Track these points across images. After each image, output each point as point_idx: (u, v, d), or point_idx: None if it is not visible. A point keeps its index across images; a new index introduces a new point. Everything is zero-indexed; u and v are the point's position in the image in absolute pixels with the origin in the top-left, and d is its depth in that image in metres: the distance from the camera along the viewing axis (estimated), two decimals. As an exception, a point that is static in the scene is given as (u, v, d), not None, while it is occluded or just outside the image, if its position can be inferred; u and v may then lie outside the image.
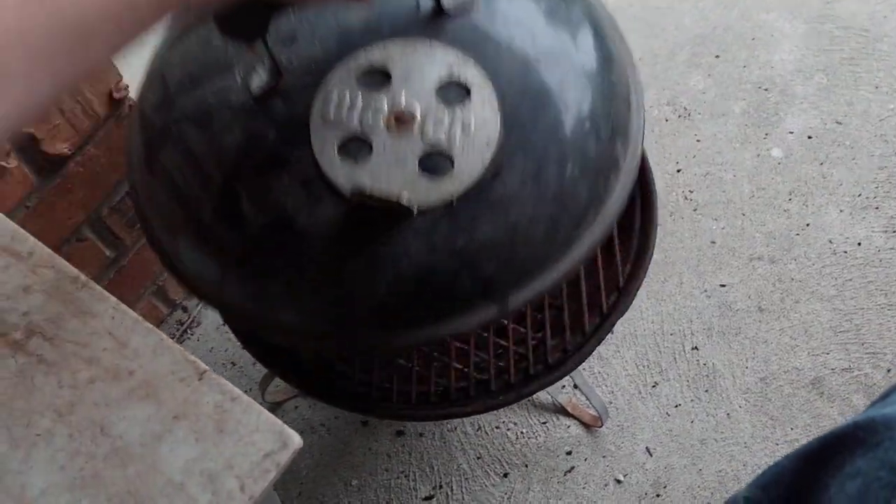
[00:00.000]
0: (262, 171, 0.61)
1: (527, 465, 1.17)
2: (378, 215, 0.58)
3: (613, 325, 0.89)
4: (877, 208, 1.34)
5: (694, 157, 1.42)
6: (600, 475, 1.17)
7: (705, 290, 1.29)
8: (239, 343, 0.90)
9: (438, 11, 0.61)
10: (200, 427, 0.65)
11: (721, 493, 1.14)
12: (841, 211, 1.35)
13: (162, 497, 0.62)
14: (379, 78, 0.60)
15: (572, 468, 1.17)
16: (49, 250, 0.72)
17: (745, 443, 1.18)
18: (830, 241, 1.32)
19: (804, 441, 1.15)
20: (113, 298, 0.71)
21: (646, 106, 1.47)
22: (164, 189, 0.67)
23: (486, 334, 0.94)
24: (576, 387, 1.21)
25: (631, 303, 0.90)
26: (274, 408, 1.21)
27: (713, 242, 1.33)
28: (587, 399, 1.14)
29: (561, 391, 1.22)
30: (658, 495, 1.15)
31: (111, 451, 0.63)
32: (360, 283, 0.61)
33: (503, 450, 1.19)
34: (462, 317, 0.64)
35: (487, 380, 0.89)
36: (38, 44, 0.33)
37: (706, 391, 1.22)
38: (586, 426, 1.20)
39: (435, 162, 0.59)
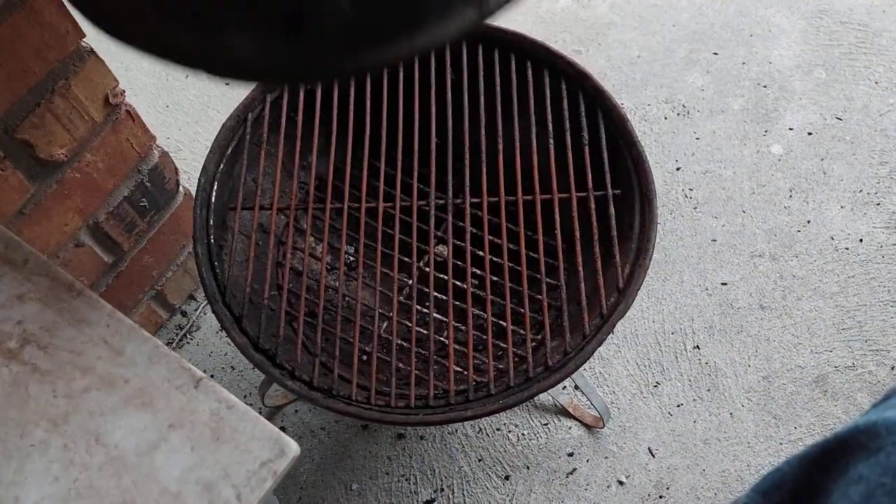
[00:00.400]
0: None
1: (528, 467, 1.17)
2: None
3: (614, 326, 0.88)
4: (878, 204, 1.33)
5: (693, 154, 1.41)
6: (602, 476, 1.16)
7: (706, 289, 1.29)
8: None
9: None
10: (196, 435, 0.64)
11: (725, 494, 1.14)
12: (842, 207, 1.34)
13: (158, 507, 0.61)
14: None
15: (574, 470, 1.16)
16: (44, 258, 0.71)
17: (749, 442, 1.17)
18: (832, 238, 1.31)
19: (808, 440, 1.14)
20: (108, 306, 0.70)
21: (644, 104, 1.47)
22: None
23: (485, 336, 0.94)
24: (577, 387, 1.21)
25: (631, 304, 0.89)
26: (273, 412, 1.20)
27: (714, 240, 1.33)
28: (588, 400, 1.14)
29: (562, 392, 1.21)
30: (661, 496, 1.14)
31: (106, 461, 0.63)
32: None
33: (504, 452, 1.18)
34: (438, 22, 0.52)
35: (487, 383, 0.88)
36: None
37: (708, 390, 1.21)
38: (588, 427, 1.19)
39: None
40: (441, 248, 1.05)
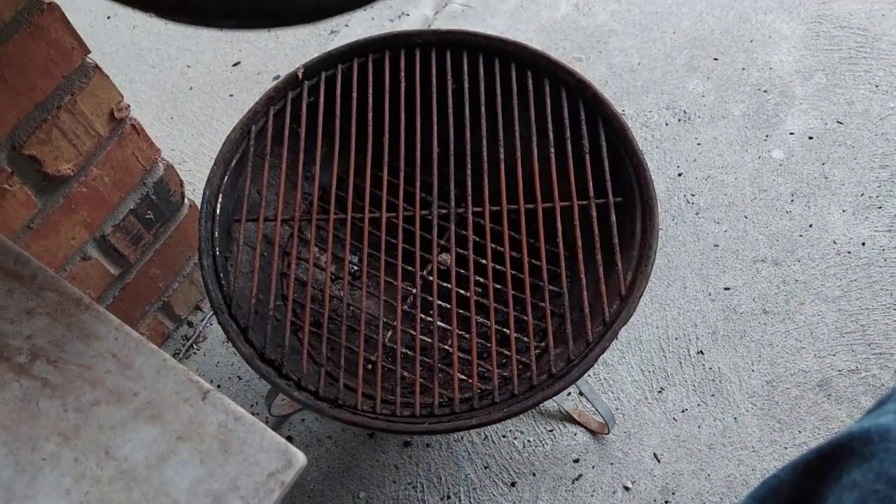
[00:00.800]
0: None
1: (534, 474, 1.17)
2: None
3: (617, 333, 0.89)
4: (880, 207, 1.34)
5: (695, 160, 1.42)
6: (608, 482, 1.16)
7: (709, 294, 1.29)
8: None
9: None
10: (205, 448, 0.65)
11: (730, 499, 1.14)
12: (844, 211, 1.34)
13: (167, 519, 0.62)
14: None
15: (580, 476, 1.17)
16: (52, 273, 0.72)
17: (754, 447, 1.17)
18: (834, 242, 1.32)
19: (813, 444, 1.14)
20: (116, 320, 0.71)
21: (645, 111, 1.48)
22: None
23: (488, 344, 0.94)
24: (581, 394, 1.21)
25: (633, 310, 0.90)
26: (280, 421, 1.21)
27: (716, 245, 1.33)
28: (593, 406, 1.14)
29: (567, 398, 1.22)
30: (667, 502, 1.15)
31: (116, 475, 0.63)
32: None
33: (510, 459, 1.19)
34: None
35: (491, 391, 0.89)
36: None
37: (713, 395, 1.22)
38: (593, 433, 1.20)
39: None
40: (444, 256, 1.06)
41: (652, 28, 1.59)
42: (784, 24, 1.57)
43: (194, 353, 1.29)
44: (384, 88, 1.03)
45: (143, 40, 1.69)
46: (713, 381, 1.22)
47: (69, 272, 1.03)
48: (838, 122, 1.43)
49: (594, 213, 0.96)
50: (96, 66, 0.93)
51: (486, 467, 1.18)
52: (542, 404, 1.21)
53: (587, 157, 0.98)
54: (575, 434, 1.20)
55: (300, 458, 0.66)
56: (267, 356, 0.88)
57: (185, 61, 1.63)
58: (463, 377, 0.94)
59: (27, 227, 0.95)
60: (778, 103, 1.47)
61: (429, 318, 0.99)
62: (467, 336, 0.97)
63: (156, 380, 0.68)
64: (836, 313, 1.26)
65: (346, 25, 1.66)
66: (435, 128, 1.01)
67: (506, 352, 0.94)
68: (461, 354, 0.98)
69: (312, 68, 1.03)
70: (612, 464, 1.18)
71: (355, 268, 1.11)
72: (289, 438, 1.22)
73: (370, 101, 1.02)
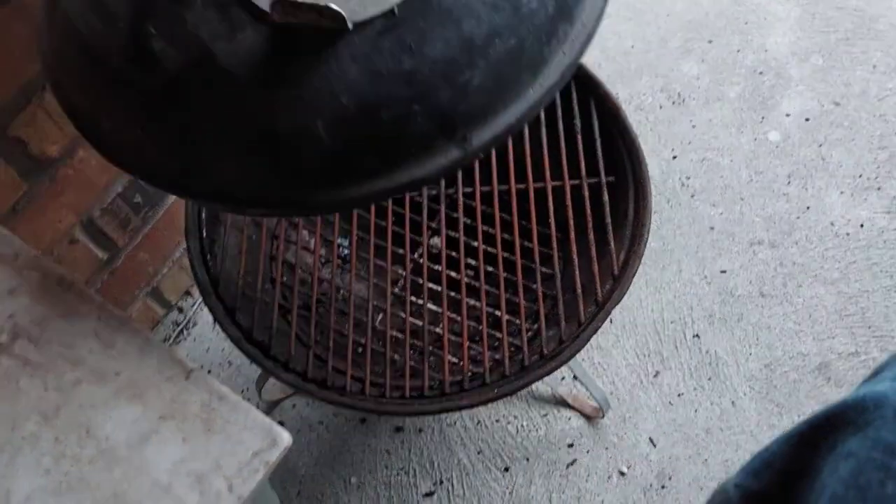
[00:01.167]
0: (171, 2, 0.52)
1: (528, 459, 1.16)
2: (307, 37, 0.49)
3: (609, 313, 0.87)
4: (878, 189, 1.32)
5: (689, 143, 1.40)
6: (603, 467, 1.15)
7: (705, 277, 1.28)
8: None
9: None
10: (188, 427, 0.64)
11: (726, 482, 1.13)
12: (842, 193, 1.33)
13: (149, 499, 0.61)
14: None
15: (574, 461, 1.16)
16: (35, 252, 0.71)
17: (752, 431, 1.16)
18: (832, 224, 1.30)
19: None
20: (99, 299, 0.70)
21: (639, 93, 1.46)
22: (70, 41, 0.58)
23: (480, 327, 0.93)
24: (576, 378, 1.20)
25: (626, 290, 0.88)
26: (271, 407, 1.20)
27: (712, 228, 1.32)
28: (588, 390, 1.13)
29: (561, 383, 1.21)
30: (663, 486, 1.14)
31: (97, 454, 0.62)
32: (294, 123, 0.51)
33: (504, 444, 1.18)
34: (419, 161, 0.54)
35: (483, 373, 0.88)
36: None
37: (709, 379, 1.20)
38: (588, 418, 1.18)
39: None
40: (435, 240, 1.05)
41: (645, 11, 1.58)
42: (779, 5, 1.55)
43: (184, 338, 1.28)
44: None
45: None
46: (710, 364, 1.21)
47: (56, 256, 1.02)
48: (835, 103, 1.42)
49: (586, 193, 0.94)
50: (81, 47, 0.92)
51: (479, 452, 1.17)
52: (535, 389, 1.20)
53: (579, 136, 0.97)
54: (569, 419, 1.19)
55: (285, 437, 0.65)
56: (255, 338, 0.87)
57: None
58: (454, 360, 0.93)
59: (13, 210, 0.93)
60: (774, 85, 1.45)
61: (419, 301, 0.98)
62: (458, 319, 0.96)
63: (138, 359, 0.67)
64: (835, 296, 1.24)
65: None
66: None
67: (497, 334, 0.93)
68: (452, 337, 0.97)
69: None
70: (606, 448, 1.16)
71: (345, 251, 1.10)
72: (280, 424, 1.20)
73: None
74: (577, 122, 0.97)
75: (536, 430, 1.18)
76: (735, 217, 1.32)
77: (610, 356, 1.23)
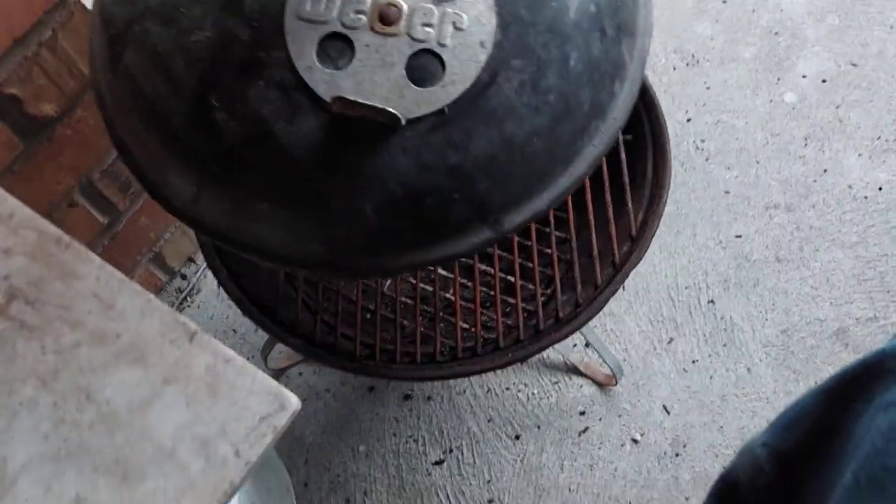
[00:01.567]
0: (235, 75, 0.55)
1: (539, 427, 1.14)
2: (363, 127, 0.52)
3: (627, 275, 0.84)
4: (898, 151, 1.29)
5: (704, 105, 1.36)
6: (616, 435, 1.13)
7: (720, 242, 1.25)
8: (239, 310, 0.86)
9: None
10: (192, 391, 0.61)
11: (742, 450, 1.11)
12: (860, 155, 1.29)
13: (152, 465, 0.58)
14: None
15: (586, 428, 1.14)
16: (31, 211, 0.68)
17: (768, 398, 1.14)
18: (850, 187, 1.27)
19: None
20: (98, 259, 0.67)
21: (652, 55, 1.42)
22: (131, 94, 0.60)
23: (492, 292, 0.90)
24: (588, 345, 1.18)
25: (645, 252, 0.85)
26: (277, 374, 1.17)
27: (727, 192, 1.28)
28: (600, 357, 1.10)
29: (573, 350, 1.18)
30: (677, 454, 1.12)
31: (97, 419, 0.60)
32: (345, 202, 0.56)
33: (514, 412, 1.15)
34: (454, 240, 0.58)
35: (496, 338, 0.85)
36: None
37: (724, 346, 1.18)
38: (600, 385, 1.16)
39: (424, 65, 0.53)
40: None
41: (660, -31, 1.53)
42: (797, -37, 1.50)
43: (188, 305, 1.25)
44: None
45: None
46: (725, 330, 1.19)
47: (55, 219, 0.99)
48: (852, 64, 1.37)
49: (602, 151, 0.91)
50: (78, 1, 0.88)
51: (489, 420, 1.15)
52: (546, 356, 1.18)
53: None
54: (581, 386, 1.16)
55: (293, 401, 0.62)
56: (260, 302, 0.84)
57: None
58: (466, 325, 0.91)
59: (9, 170, 0.91)
60: (790, 46, 1.41)
61: (430, 266, 0.95)
62: (469, 285, 0.93)
63: (140, 321, 0.64)
64: (853, 260, 1.21)
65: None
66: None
67: (510, 300, 0.91)
68: (464, 303, 0.94)
69: None
70: (619, 416, 1.14)
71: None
72: (287, 393, 1.18)
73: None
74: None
75: (548, 398, 1.16)
76: (750, 180, 1.29)
77: (623, 323, 1.21)
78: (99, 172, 1.01)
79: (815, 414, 0.41)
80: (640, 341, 1.19)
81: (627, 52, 0.61)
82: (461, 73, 0.53)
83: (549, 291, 0.94)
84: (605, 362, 1.10)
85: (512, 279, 0.91)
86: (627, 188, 0.89)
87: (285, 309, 0.86)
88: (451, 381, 1.17)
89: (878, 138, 1.30)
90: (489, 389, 1.17)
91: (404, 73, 0.53)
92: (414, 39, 0.53)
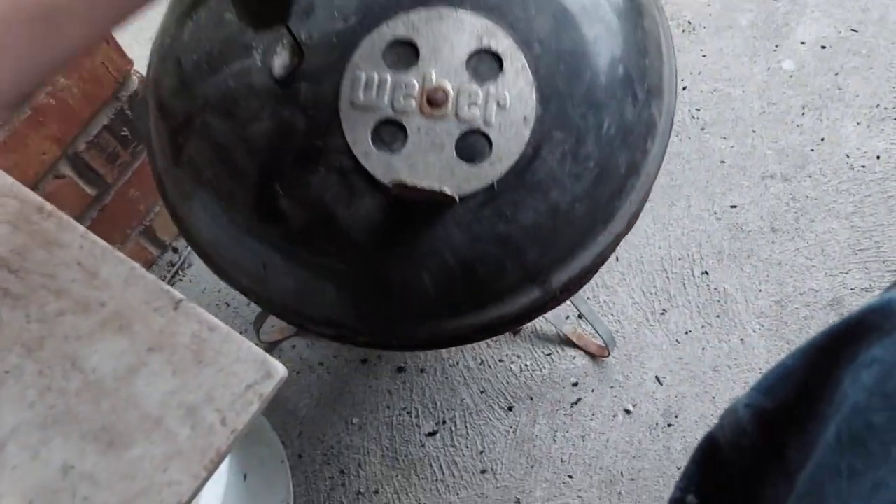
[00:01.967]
0: (296, 164, 0.58)
1: (532, 398, 1.14)
2: (420, 206, 0.56)
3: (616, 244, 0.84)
4: (896, 119, 1.27)
5: (700, 73, 1.35)
6: (608, 406, 1.13)
7: (715, 212, 1.24)
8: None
9: None
10: (178, 359, 0.61)
11: (734, 419, 1.11)
12: (858, 123, 1.28)
13: (139, 432, 0.58)
14: (406, 52, 0.57)
15: (579, 400, 1.14)
16: (12, 179, 0.67)
17: (761, 369, 1.14)
18: (847, 156, 1.26)
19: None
20: (81, 227, 0.66)
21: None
22: (195, 183, 0.64)
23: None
24: (581, 317, 1.17)
25: (634, 222, 0.84)
26: (270, 348, 1.17)
27: (722, 162, 1.27)
28: (593, 329, 1.10)
29: (565, 322, 1.18)
30: (669, 425, 1.12)
31: (84, 387, 0.59)
32: (404, 276, 0.59)
33: (507, 383, 1.15)
34: (505, 302, 0.62)
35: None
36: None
37: (717, 317, 1.17)
38: (592, 357, 1.16)
39: (472, 144, 0.56)
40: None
41: (656, -64, 1.50)
42: (797, -71, 1.47)
43: (180, 279, 1.25)
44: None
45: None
46: (718, 301, 1.18)
47: (42, 191, 0.98)
48: (853, 30, 1.36)
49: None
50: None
51: (482, 392, 1.15)
52: (539, 328, 1.17)
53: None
54: (574, 358, 1.16)
55: (280, 369, 0.62)
56: (249, 272, 0.84)
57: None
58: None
59: (-8, 141, 0.89)
60: (788, 12, 1.39)
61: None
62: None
63: (124, 289, 0.63)
64: (849, 230, 1.20)
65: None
66: None
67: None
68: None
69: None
70: (612, 387, 1.14)
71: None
72: (280, 365, 1.18)
73: None
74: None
75: (540, 370, 1.16)
76: (746, 150, 1.28)
77: (616, 294, 1.20)
78: (85, 143, 1.00)
79: (799, 373, 0.40)
80: (633, 313, 1.18)
81: (657, 111, 0.64)
82: (507, 149, 0.56)
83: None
84: (598, 334, 1.10)
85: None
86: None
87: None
88: (444, 354, 1.17)
89: (877, 106, 1.29)
90: (482, 361, 1.17)
91: (454, 152, 0.56)
92: (461, 120, 0.56)
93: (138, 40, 1.47)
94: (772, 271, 1.19)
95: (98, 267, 0.64)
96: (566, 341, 1.17)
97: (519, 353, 1.17)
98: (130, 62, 1.01)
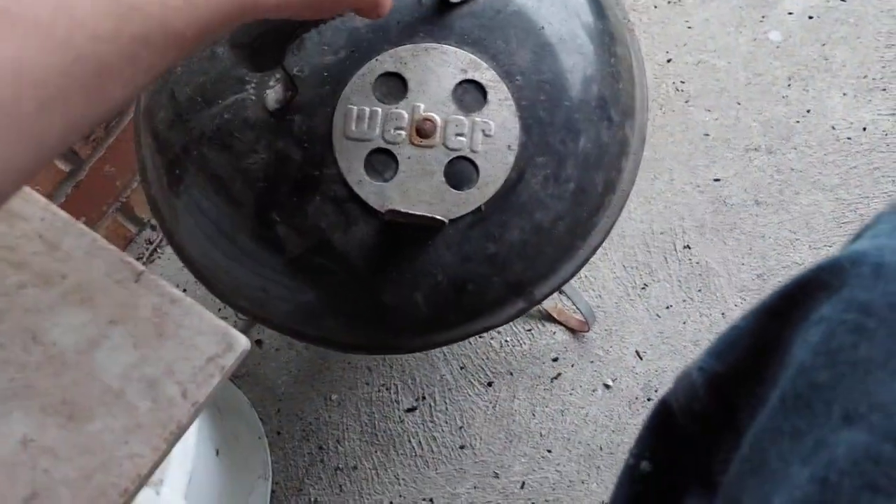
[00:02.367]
0: (293, 193, 0.61)
1: (511, 374, 1.14)
2: (412, 230, 0.60)
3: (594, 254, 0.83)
4: (884, 90, 1.26)
5: (685, 45, 1.33)
6: (588, 381, 1.13)
7: (698, 186, 1.23)
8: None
9: (443, 5, 0.61)
10: (139, 331, 0.60)
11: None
12: (844, 94, 1.26)
13: (100, 405, 0.57)
14: (395, 84, 0.61)
15: (559, 375, 1.13)
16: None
17: (741, 342, 1.13)
18: (833, 128, 1.24)
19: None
20: (42, 200, 0.65)
21: (634, -7, 1.37)
22: (195, 212, 0.66)
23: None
24: (561, 292, 1.16)
25: (609, 233, 0.84)
26: (249, 325, 1.16)
27: (706, 135, 1.26)
28: (573, 304, 1.09)
29: (548, 296, 1.17)
30: (649, 399, 1.11)
31: (44, 360, 0.59)
32: (398, 296, 0.63)
33: (487, 359, 1.15)
34: (492, 314, 0.66)
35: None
36: (50, 81, 0.29)
37: (699, 291, 1.17)
38: (573, 332, 1.15)
39: (460, 170, 0.60)
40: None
41: None
42: None
43: (158, 257, 1.24)
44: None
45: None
46: (700, 275, 1.17)
47: (12, 166, 0.96)
48: None
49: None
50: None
51: (462, 368, 1.14)
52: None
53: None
54: (554, 333, 1.16)
55: (242, 341, 0.61)
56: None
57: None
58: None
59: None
60: (776, -17, 1.37)
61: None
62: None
63: (86, 261, 0.63)
64: (834, 202, 1.19)
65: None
66: None
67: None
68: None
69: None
70: (592, 362, 1.14)
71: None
72: (258, 342, 1.17)
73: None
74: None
75: (521, 345, 1.15)
76: (731, 122, 1.26)
77: (597, 269, 1.19)
78: (58, 117, 0.98)
79: (751, 334, 0.39)
80: (614, 287, 1.18)
81: (630, 131, 0.67)
82: (493, 174, 0.60)
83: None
84: (578, 308, 1.09)
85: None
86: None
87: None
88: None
89: (864, 77, 1.27)
90: (463, 336, 1.16)
91: (443, 179, 0.60)
92: (449, 149, 0.60)
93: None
94: (755, 244, 1.18)
95: (59, 239, 0.63)
96: (546, 317, 1.16)
97: (499, 328, 1.16)
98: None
